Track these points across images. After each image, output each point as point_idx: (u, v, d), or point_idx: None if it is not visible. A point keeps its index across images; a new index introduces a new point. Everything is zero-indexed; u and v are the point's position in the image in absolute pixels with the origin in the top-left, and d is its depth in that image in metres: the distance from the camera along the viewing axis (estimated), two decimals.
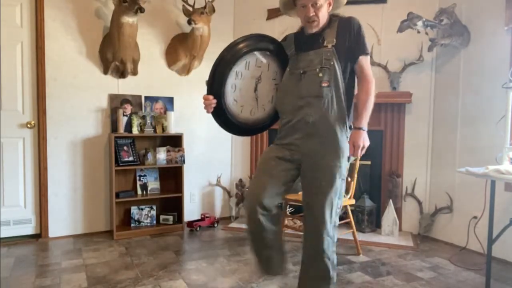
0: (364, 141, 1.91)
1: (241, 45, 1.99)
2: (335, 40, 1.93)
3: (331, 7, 2.00)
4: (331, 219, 1.92)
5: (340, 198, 1.97)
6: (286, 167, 1.98)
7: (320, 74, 1.90)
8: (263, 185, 1.95)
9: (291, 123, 1.97)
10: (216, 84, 1.98)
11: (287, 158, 1.97)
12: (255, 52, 2.02)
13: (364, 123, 1.93)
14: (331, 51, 1.91)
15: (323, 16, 1.95)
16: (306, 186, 1.97)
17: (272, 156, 2.01)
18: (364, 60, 2.00)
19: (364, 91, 1.99)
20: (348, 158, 2.02)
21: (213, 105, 1.96)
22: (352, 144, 1.91)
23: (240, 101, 2.06)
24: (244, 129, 2.16)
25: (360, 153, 1.91)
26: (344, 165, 1.94)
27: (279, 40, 2.12)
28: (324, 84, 1.90)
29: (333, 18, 2.02)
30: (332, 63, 1.90)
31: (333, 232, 1.95)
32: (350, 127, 1.99)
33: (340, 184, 1.93)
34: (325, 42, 1.93)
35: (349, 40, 1.95)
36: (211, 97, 1.95)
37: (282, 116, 2.05)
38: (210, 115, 2.05)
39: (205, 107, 1.96)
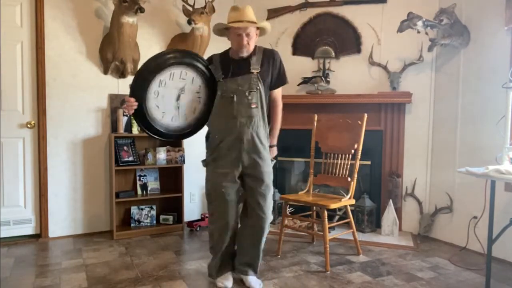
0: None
1: (168, 56, 2.19)
2: (259, 68, 2.24)
3: (257, 37, 2.28)
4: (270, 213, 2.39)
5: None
6: (236, 186, 2.32)
7: (250, 97, 2.20)
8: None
9: (225, 143, 2.23)
10: (138, 88, 2.14)
11: (234, 176, 2.28)
12: (181, 66, 2.21)
13: (276, 141, 2.43)
14: (257, 77, 2.22)
15: (252, 44, 2.24)
16: (251, 190, 2.31)
17: (221, 181, 2.28)
18: (280, 89, 2.38)
19: (280, 115, 2.40)
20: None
21: (134, 107, 2.13)
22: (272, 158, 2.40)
23: (161, 107, 2.24)
24: (165, 134, 2.33)
25: None
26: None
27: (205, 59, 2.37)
28: (253, 106, 2.22)
29: (257, 47, 2.30)
30: (258, 87, 2.22)
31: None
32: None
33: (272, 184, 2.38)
34: (251, 68, 2.22)
35: (273, 70, 2.28)
36: (132, 99, 2.13)
37: (215, 135, 2.28)
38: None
39: (126, 108, 2.14)
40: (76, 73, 3.49)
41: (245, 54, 2.23)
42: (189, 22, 3.49)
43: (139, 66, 3.65)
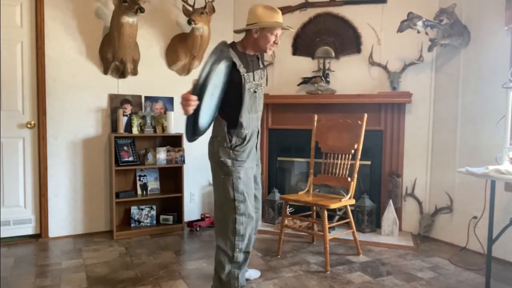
0: None
1: (223, 48, 2.00)
2: (262, 64, 2.39)
3: None
4: None
5: None
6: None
7: (263, 92, 2.35)
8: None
9: (252, 137, 2.26)
10: (204, 85, 1.87)
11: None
12: (224, 59, 2.03)
13: None
14: (264, 72, 2.38)
15: None
16: (254, 179, 2.38)
17: (252, 177, 2.29)
18: None
19: None
20: None
21: (194, 107, 1.87)
22: None
23: (205, 106, 1.99)
24: (196, 136, 2.08)
25: None
26: None
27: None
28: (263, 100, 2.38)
29: None
30: (265, 82, 2.40)
31: None
32: None
33: None
34: (260, 65, 2.35)
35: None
36: (195, 97, 1.85)
37: (243, 131, 2.19)
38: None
39: (186, 107, 1.85)
40: (76, 73, 3.49)
41: (272, 51, 2.34)
42: (189, 22, 3.49)
43: (139, 66, 3.68)
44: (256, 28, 2.18)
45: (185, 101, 1.84)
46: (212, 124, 2.21)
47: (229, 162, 2.19)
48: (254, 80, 2.23)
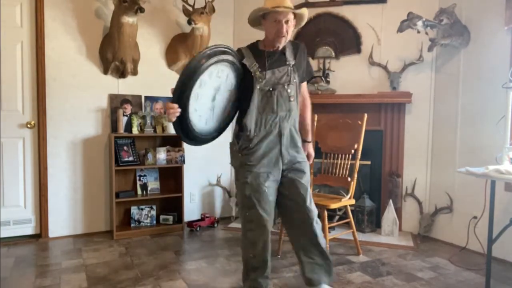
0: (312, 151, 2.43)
1: (208, 54, 1.95)
2: (293, 60, 2.14)
3: (293, 27, 2.13)
4: None
5: None
6: (276, 186, 2.16)
7: (289, 90, 2.10)
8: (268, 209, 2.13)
9: (266, 139, 2.09)
10: (183, 92, 1.90)
11: (274, 175, 2.14)
12: (219, 62, 1.98)
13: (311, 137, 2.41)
14: (293, 69, 2.13)
15: (290, 34, 2.08)
16: (293, 183, 2.15)
17: (263, 181, 2.10)
18: (306, 82, 2.34)
19: (309, 109, 2.37)
20: None
21: (177, 114, 1.90)
22: (309, 154, 2.38)
23: (199, 110, 2.02)
24: (199, 139, 2.13)
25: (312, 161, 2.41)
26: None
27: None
28: (292, 99, 2.11)
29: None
30: (295, 80, 2.13)
31: None
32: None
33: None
34: (287, 61, 2.12)
35: (303, 62, 2.19)
36: (176, 105, 1.88)
37: (252, 133, 2.09)
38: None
39: (169, 115, 1.90)
40: (76, 73, 3.49)
41: (282, 43, 2.08)
42: (189, 22, 3.49)
43: (139, 66, 3.68)
44: (260, 19, 2.07)
45: (167, 109, 1.90)
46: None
47: (237, 166, 2.16)
48: (273, 77, 2.08)
